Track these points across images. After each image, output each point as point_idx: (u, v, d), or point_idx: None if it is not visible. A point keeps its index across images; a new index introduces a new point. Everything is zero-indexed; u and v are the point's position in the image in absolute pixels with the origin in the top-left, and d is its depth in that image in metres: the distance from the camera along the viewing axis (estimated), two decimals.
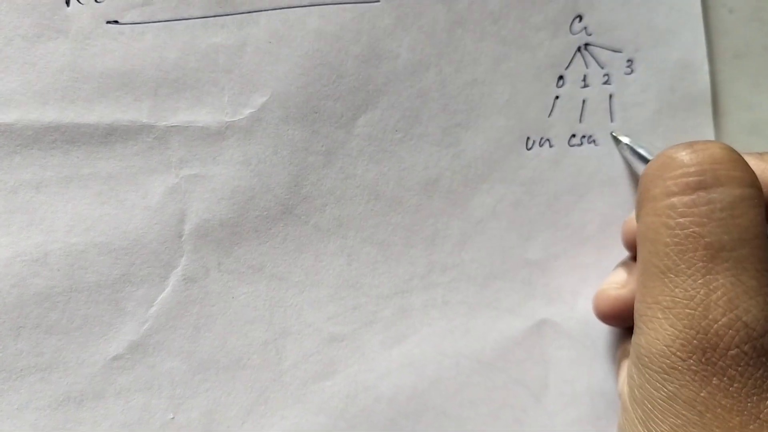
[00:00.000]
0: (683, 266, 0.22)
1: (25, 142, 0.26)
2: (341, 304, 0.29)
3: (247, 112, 0.28)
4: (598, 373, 0.31)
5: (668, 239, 0.22)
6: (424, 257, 0.30)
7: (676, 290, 0.22)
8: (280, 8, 0.28)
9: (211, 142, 0.28)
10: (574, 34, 0.31)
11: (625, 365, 0.28)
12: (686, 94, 0.32)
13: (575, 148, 0.31)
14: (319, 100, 0.29)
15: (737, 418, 0.21)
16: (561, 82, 0.31)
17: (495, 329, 0.30)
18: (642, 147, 0.30)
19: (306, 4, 0.28)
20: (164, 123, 0.27)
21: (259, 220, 0.28)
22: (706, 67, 0.32)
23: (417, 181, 0.30)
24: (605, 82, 0.32)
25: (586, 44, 0.31)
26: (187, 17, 0.27)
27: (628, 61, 0.32)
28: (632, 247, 0.29)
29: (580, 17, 0.31)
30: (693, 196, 0.22)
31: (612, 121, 0.32)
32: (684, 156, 0.23)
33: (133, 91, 0.27)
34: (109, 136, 0.27)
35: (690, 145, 0.23)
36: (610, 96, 0.32)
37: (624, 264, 0.30)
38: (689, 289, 0.22)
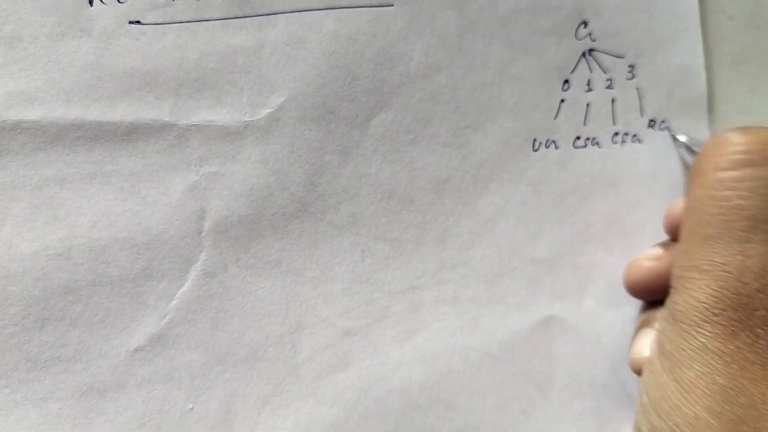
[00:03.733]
0: (724, 234, 0.24)
1: (50, 139, 0.27)
2: (355, 299, 0.30)
3: (265, 112, 0.29)
4: (601, 368, 0.32)
5: (714, 209, 0.25)
6: (435, 254, 0.31)
7: (715, 255, 0.24)
8: (298, 11, 0.29)
9: (230, 141, 0.28)
10: (579, 39, 0.32)
11: (643, 334, 0.30)
12: (684, 99, 0.34)
13: (580, 149, 0.32)
14: (335, 101, 0.29)
15: (761, 372, 0.23)
16: (566, 86, 0.32)
17: (503, 324, 0.31)
18: (698, 145, 0.31)
19: (323, 7, 0.29)
20: (185, 122, 0.28)
21: (276, 217, 0.29)
22: (703, 74, 0.34)
23: (428, 181, 0.31)
24: (608, 87, 0.33)
25: (591, 50, 0.32)
26: (207, 18, 0.28)
27: (630, 66, 0.33)
28: (673, 230, 0.31)
29: (585, 23, 0.32)
30: (740, 172, 0.24)
31: (614, 124, 0.33)
32: (736, 137, 0.25)
33: (155, 90, 0.28)
34: (132, 134, 0.27)
35: (744, 128, 0.25)
36: (613, 100, 0.33)
37: (662, 243, 0.31)
38: (727, 255, 0.24)
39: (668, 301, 0.26)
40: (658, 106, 0.33)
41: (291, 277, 0.29)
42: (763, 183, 0.24)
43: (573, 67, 0.32)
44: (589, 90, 0.33)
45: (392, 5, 0.30)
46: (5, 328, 0.26)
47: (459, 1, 0.30)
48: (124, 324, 0.27)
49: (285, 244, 0.29)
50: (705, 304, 0.24)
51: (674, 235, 0.31)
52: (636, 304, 0.32)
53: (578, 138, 0.32)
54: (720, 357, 0.23)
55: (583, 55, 0.32)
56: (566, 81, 0.32)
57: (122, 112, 0.27)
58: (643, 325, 0.31)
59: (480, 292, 0.31)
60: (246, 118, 0.29)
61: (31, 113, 0.26)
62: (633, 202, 0.33)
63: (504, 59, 0.31)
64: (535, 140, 0.32)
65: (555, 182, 0.32)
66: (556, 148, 0.32)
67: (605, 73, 0.33)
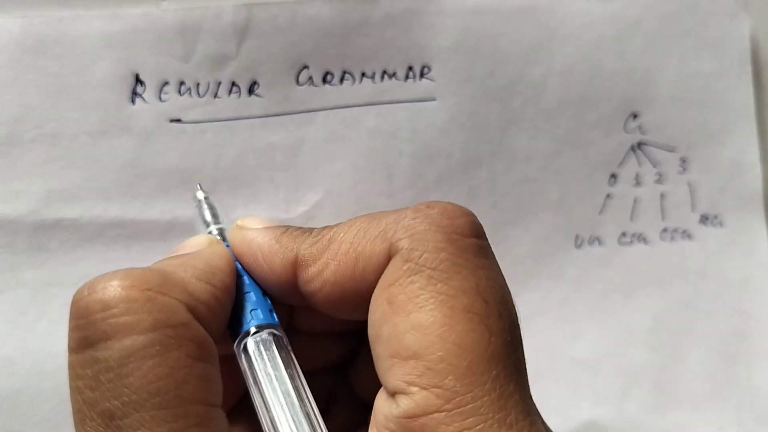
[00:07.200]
0: None
1: (88, 237, 0.27)
2: None
3: (300, 210, 0.28)
4: None
5: (74, 405, 0.19)
6: None
7: None
8: (338, 107, 0.28)
9: None
10: (628, 132, 0.31)
11: None
12: (738, 193, 0.32)
13: (625, 246, 0.31)
14: (371, 197, 0.29)
15: None
16: (613, 181, 0.31)
17: None
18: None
19: (363, 103, 0.29)
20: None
21: None
22: (758, 167, 0.32)
23: None
24: (657, 181, 0.32)
25: (640, 143, 0.31)
26: (247, 116, 0.28)
27: (681, 159, 0.32)
28: None
29: (636, 115, 0.31)
30: (83, 355, 0.19)
31: (663, 219, 0.32)
32: (80, 300, 0.19)
33: (193, 187, 0.28)
34: (169, 231, 0.27)
35: (100, 282, 0.19)
36: (662, 195, 0.32)
37: None
38: None
39: None
40: (710, 201, 0.32)
41: None
42: (104, 366, 0.18)
43: (621, 160, 0.31)
44: (638, 185, 0.31)
45: (435, 99, 0.29)
46: (38, 424, 0.26)
47: (503, 94, 0.30)
48: None
49: None
50: None
51: None
52: (683, 409, 0.31)
53: (624, 234, 0.31)
54: None
55: (632, 148, 0.31)
56: (613, 175, 0.31)
57: (160, 210, 0.27)
58: None
59: None
60: (282, 216, 0.28)
61: (71, 211, 0.27)
62: (681, 301, 0.31)
63: (548, 153, 0.30)
64: (577, 236, 0.31)
65: (597, 280, 0.31)
66: (600, 244, 0.31)
67: (655, 167, 0.31)
